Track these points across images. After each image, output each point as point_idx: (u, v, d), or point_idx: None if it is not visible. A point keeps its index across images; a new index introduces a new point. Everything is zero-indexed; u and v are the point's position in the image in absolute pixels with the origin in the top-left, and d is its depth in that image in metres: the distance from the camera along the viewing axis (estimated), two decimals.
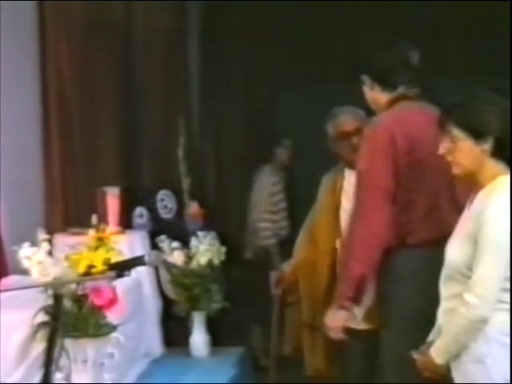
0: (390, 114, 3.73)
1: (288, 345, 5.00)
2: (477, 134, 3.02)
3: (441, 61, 7.32)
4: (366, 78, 3.81)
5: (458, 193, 3.60)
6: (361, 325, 4.02)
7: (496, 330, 2.95)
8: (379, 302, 3.81)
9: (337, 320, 3.67)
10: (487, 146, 3.01)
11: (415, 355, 3.17)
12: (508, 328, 2.95)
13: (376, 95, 3.79)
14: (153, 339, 5.45)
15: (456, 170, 3.11)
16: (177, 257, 5.52)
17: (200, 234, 5.69)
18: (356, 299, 3.64)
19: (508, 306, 2.96)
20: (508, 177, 3.01)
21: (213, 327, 5.73)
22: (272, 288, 4.93)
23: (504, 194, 2.96)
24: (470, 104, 3.06)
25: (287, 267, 4.85)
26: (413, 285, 3.63)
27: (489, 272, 2.93)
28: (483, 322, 2.93)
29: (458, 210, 3.49)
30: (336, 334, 3.72)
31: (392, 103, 3.75)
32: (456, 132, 3.05)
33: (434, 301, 3.47)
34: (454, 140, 3.07)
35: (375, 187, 3.57)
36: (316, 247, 4.54)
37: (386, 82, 3.75)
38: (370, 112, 4.00)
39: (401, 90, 3.75)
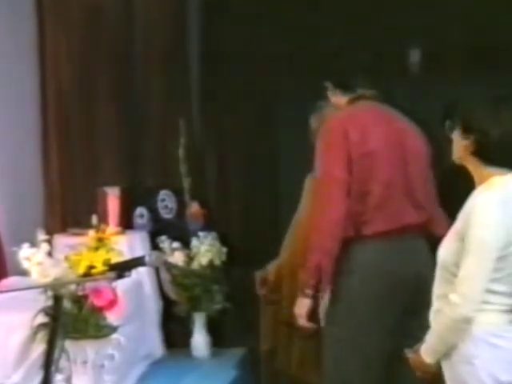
0: (343, 111, 3.89)
1: (265, 343, 5.03)
2: (463, 128, 3.02)
3: (441, 61, 7.31)
4: (328, 84, 3.98)
5: (418, 187, 3.72)
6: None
7: (483, 331, 2.95)
8: (330, 296, 3.87)
9: (300, 307, 3.75)
10: (468, 142, 3.00)
11: (408, 354, 3.17)
12: (496, 329, 2.95)
13: (338, 99, 3.95)
14: (153, 340, 5.44)
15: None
16: (177, 257, 5.52)
17: (201, 234, 5.69)
18: (316, 287, 3.72)
19: (496, 307, 2.96)
20: (503, 178, 3.00)
21: (214, 328, 5.73)
22: (257, 288, 4.97)
23: (493, 194, 2.95)
24: (468, 102, 3.07)
25: (271, 267, 4.88)
26: (361, 278, 3.69)
27: (472, 272, 2.93)
28: (466, 321, 2.93)
29: (416, 203, 3.68)
30: (301, 321, 3.78)
31: (350, 103, 3.90)
32: (449, 123, 3.07)
33: (379, 296, 3.57)
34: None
35: (331, 178, 3.69)
36: (298, 246, 4.56)
37: (346, 86, 3.92)
38: None
39: (359, 91, 3.90)
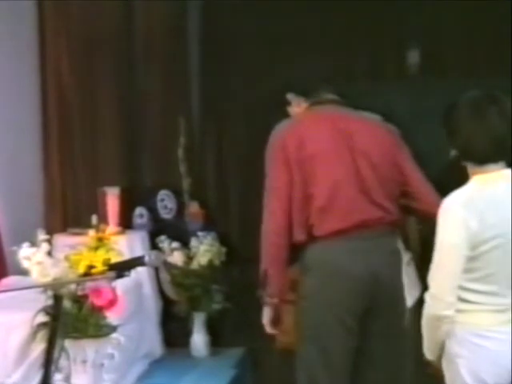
0: (287, 121, 3.94)
1: (281, 342, 5.03)
2: (448, 137, 3.08)
3: (441, 61, 7.31)
4: (291, 97, 4.03)
5: (373, 185, 3.71)
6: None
7: (466, 331, 2.97)
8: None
9: (263, 316, 3.79)
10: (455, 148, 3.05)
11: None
12: (479, 329, 2.96)
13: (301, 109, 3.99)
14: (153, 340, 5.44)
15: None
16: (177, 257, 5.52)
17: (200, 234, 5.70)
18: (271, 294, 3.75)
19: (480, 307, 2.97)
20: (483, 176, 3.01)
21: (213, 328, 5.73)
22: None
23: (458, 195, 2.98)
24: (453, 109, 3.10)
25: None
26: (315, 276, 3.71)
27: (437, 272, 2.97)
28: (439, 319, 2.96)
29: (373, 201, 3.68)
30: (267, 329, 3.81)
31: (309, 108, 3.94)
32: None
33: (334, 294, 3.59)
34: None
35: (270, 189, 3.79)
36: None
37: (309, 92, 3.97)
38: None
39: (322, 96, 3.95)
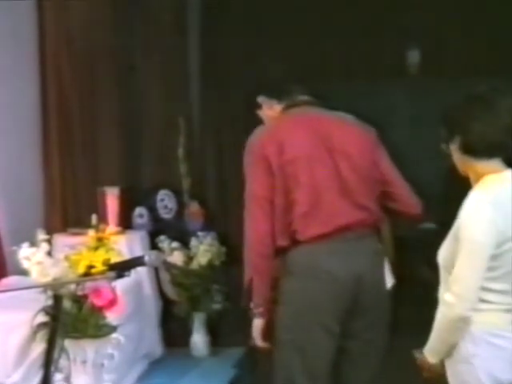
0: (264, 126, 3.89)
1: None
2: (448, 132, 3.06)
3: (441, 61, 7.32)
4: (262, 99, 3.97)
5: (355, 187, 3.67)
6: None
7: (483, 331, 2.95)
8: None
9: (254, 329, 3.73)
10: (456, 144, 3.03)
11: (416, 354, 3.17)
12: (496, 328, 2.95)
13: (273, 112, 3.92)
14: (153, 340, 5.44)
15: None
16: (177, 257, 5.52)
17: (200, 234, 5.70)
18: (256, 305, 3.69)
19: (495, 306, 2.96)
20: (496, 176, 3.01)
21: (213, 328, 5.73)
22: None
23: (484, 193, 2.97)
24: (458, 106, 3.09)
25: None
26: (298, 279, 3.68)
27: (464, 271, 2.94)
28: (463, 320, 2.93)
29: (356, 203, 3.64)
30: (255, 342, 3.76)
31: (284, 111, 3.88)
32: (444, 133, 3.09)
33: (316, 296, 3.56)
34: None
35: (252, 197, 3.70)
36: None
37: (281, 94, 3.90)
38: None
39: (295, 97, 3.89)
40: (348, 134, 3.78)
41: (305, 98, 3.88)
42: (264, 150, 3.68)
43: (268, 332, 3.74)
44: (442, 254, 3.07)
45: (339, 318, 3.64)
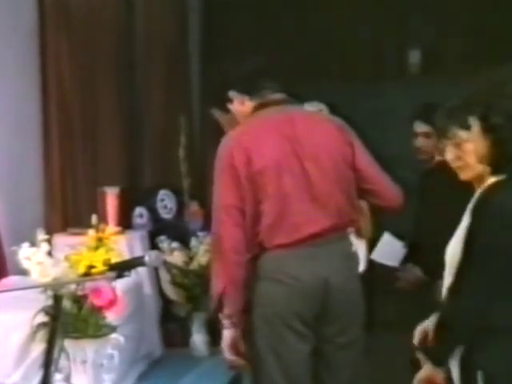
0: (234, 132, 3.83)
1: None
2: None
3: (441, 61, 7.32)
4: (233, 94, 3.93)
5: (325, 191, 3.65)
6: None
7: None
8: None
9: (223, 340, 3.74)
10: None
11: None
12: None
13: (245, 108, 3.89)
14: (153, 340, 5.44)
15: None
16: (177, 257, 5.52)
17: (200, 234, 5.69)
18: (229, 315, 3.68)
19: None
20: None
21: (213, 328, 5.73)
22: None
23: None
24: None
25: None
26: (266, 283, 3.68)
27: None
28: None
29: (327, 209, 3.62)
30: (228, 356, 3.77)
31: (256, 110, 3.84)
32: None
33: (284, 301, 3.58)
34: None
35: (220, 206, 3.68)
36: None
37: (252, 90, 3.87)
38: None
39: (267, 95, 3.85)
40: (318, 134, 3.73)
41: (277, 96, 3.83)
42: (233, 159, 3.65)
43: (239, 345, 3.73)
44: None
45: (309, 323, 3.63)
